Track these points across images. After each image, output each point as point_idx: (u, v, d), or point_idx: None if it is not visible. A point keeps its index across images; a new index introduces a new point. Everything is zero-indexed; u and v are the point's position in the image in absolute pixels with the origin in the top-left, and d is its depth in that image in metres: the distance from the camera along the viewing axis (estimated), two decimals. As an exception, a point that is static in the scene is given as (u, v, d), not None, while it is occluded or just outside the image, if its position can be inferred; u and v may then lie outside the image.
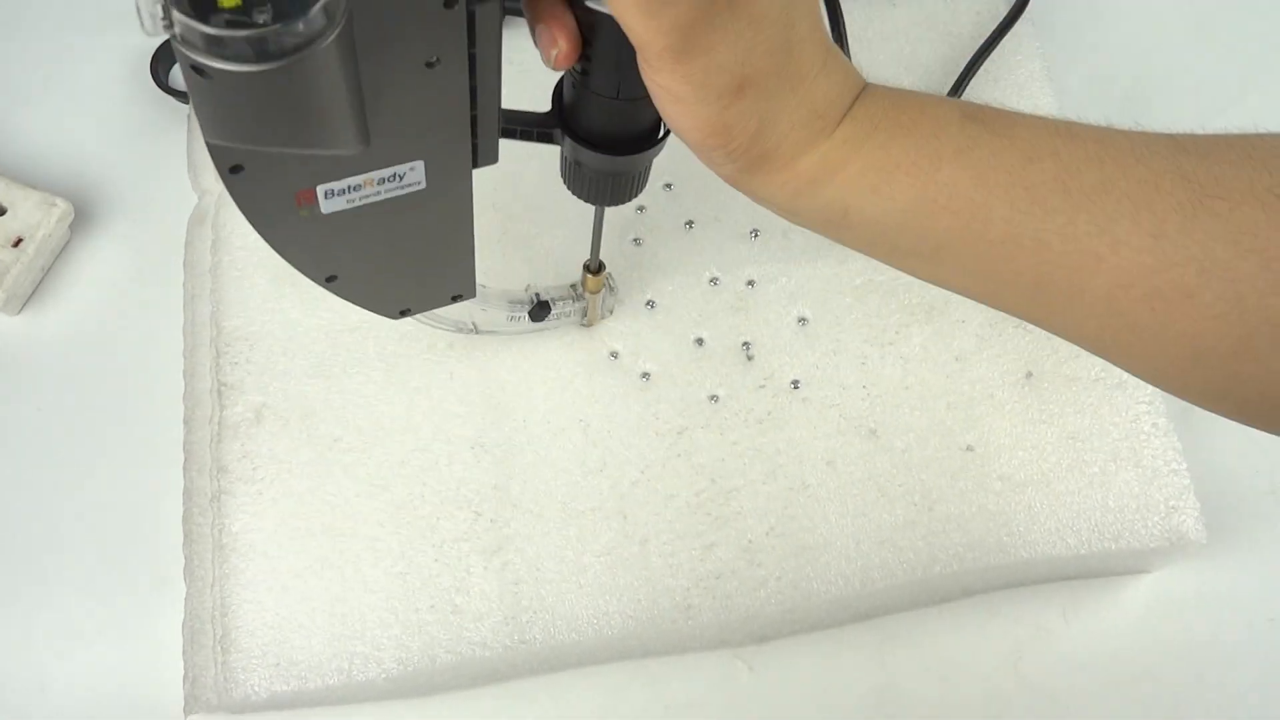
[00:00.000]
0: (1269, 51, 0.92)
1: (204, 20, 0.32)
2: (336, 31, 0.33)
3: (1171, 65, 0.91)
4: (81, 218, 0.81)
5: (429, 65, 0.40)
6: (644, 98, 0.44)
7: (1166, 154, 0.42)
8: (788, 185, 0.46)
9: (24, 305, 0.79)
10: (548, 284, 0.71)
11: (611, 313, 0.74)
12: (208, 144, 0.38)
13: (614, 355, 0.74)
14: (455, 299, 0.59)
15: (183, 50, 0.32)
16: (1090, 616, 0.74)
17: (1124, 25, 0.93)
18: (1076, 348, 0.48)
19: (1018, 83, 0.83)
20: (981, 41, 0.84)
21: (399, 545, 0.68)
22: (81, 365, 0.78)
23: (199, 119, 0.36)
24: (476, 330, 0.70)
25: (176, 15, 0.32)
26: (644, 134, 0.53)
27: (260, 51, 0.32)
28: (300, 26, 0.32)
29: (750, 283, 0.76)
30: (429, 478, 0.70)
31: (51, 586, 0.72)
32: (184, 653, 0.67)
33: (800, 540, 0.69)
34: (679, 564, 0.69)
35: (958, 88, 0.81)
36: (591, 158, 0.53)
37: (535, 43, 0.45)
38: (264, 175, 0.41)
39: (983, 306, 0.49)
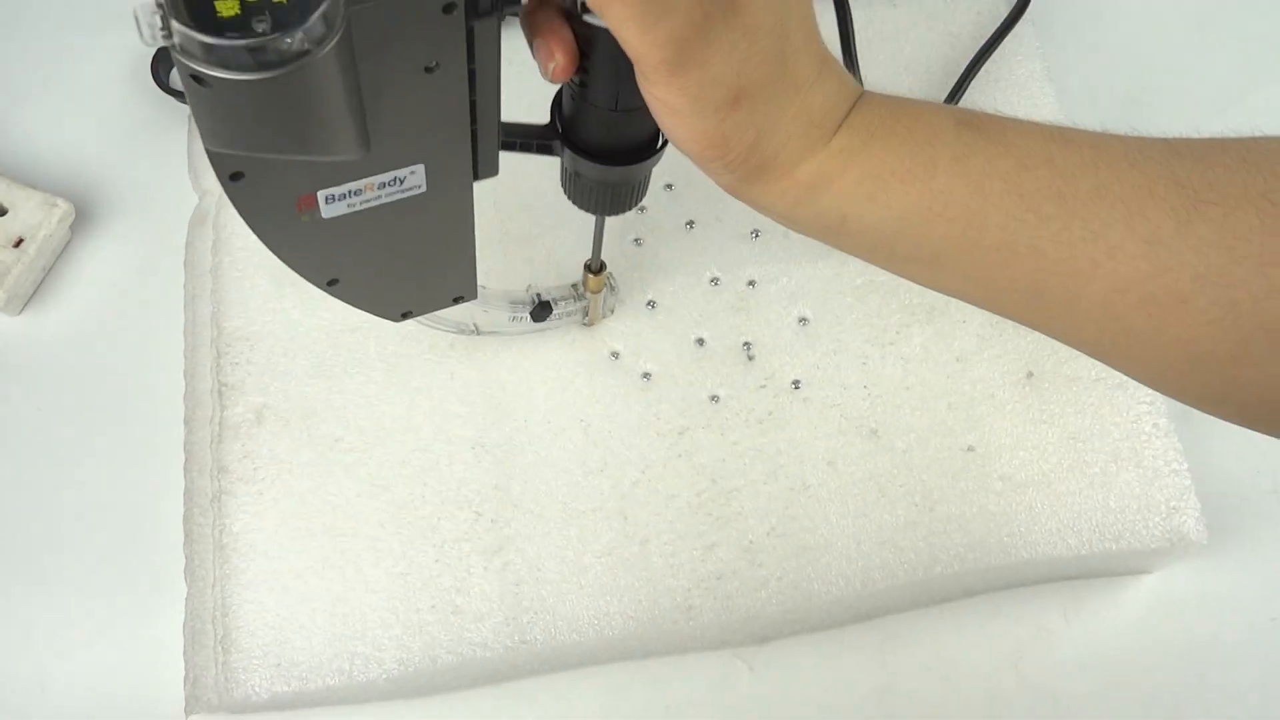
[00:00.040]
0: (1269, 51, 0.92)
1: (203, 30, 0.32)
2: (335, 39, 0.33)
3: (1171, 65, 0.91)
4: (82, 218, 0.81)
5: (428, 70, 0.40)
6: (642, 108, 0.44)
7: (1161, 159, 0.42)
8: (786, 194, 0.46)
9: (25, 305, 0.79)
10: (549, 284, 0.71)
11: (613, 313, 0.74)
12: (208, 151, 0.38)
13: (615, 355, 0.74)
14: (457, 301, 0.59)
15: (182, 60, 0.32)
16: (1091, 617, 0.74)
17: (1124, 25, 0.93)
18: (1077, 348, 0.48)
19: (1018, 83, 0.83)
20: (982, 42, 0.84)
21: (400, 545, 0.68)
22: (82, 365, 0.78)
23: (199, 127, 0.36)
24: (478, 331, 0.71)
25: (175, 25, 0.32)
26: (642, 144, 0.53)
27: (259, 60, 0.32)
28: (299, 35, 0.32)
29: (751, 283, 0.76)
30: (430, 478, 0.70)
31: (52, 586, 0.72)
32: (185, 653, 0.67)
33: (801, 541, 0.69)
34: (680, 564, 0.69)
35: (958, 88, 0.81)
36: (591, 168, 0.53)
37: (533, 55, 0.45)
38: (264, 181, 0.41)
39: (983, 307, 0.49)
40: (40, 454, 0.76)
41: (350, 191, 0.44)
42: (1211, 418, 0.46)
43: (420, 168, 0.45)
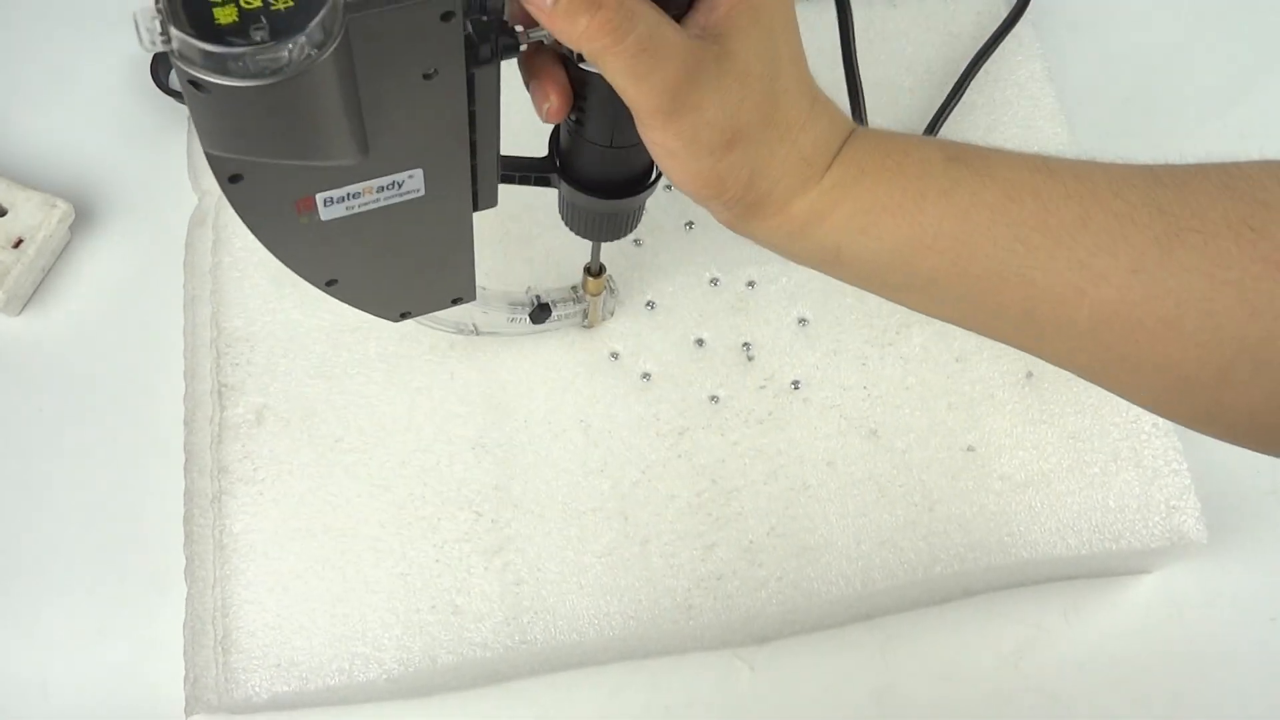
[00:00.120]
0: (1269, 51, 0.92)
1: (201, 36, 0.32)
2: (334, 46, 0.33)
3: (1171, 65, 0.91)
4: (82, 219, 0.81)
5: (426, 77, 0.40)
6: (637, 145, 0.46)
7: (1143, 187, 0.43)
8: (782, 229, 0.47)
9: (25, 306, 0.79)
10: (548, 285, 0.71)
11: (612, 314, 0.74)
12: (207, 154, 0.38)
13: (615, 356, 0.74)
14: (455, 302, 0.59)
15: (180, 65, 0.32)
16: (1091, 616, 0.74)
17: (1124, 25, 0.92)
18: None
19: (1018, 83, 0.83)
20: (982, 42, 0.84)
21: (400, 546, 0.68)
22: (82, 366, 0.78)
23: (197, 131, 0.36)
24: (477, 332, 0.71)
25: (174, 31, 0.32)
26: (637, 178, 0.55)
27: (257, 67, 0.32)
28: (297, 42, 0.32)
29: (750, 283, 0.76)
30: (430, 478, 0.70)
31: (52, 586, 0.72)
32: (185, 653, 0.67)
33: (801, 541, 0.69)
34: (680, 564, 0.69)
35: (958, 88, 0.81)
36: (588, 201, 0.55)
37: (530, 95, 0.47)
38: (263, 184, 0.42)
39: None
40: (40, 454, 0.76)
41: (349, 195, 0.44)
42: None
43: (419, 172, 0.45)
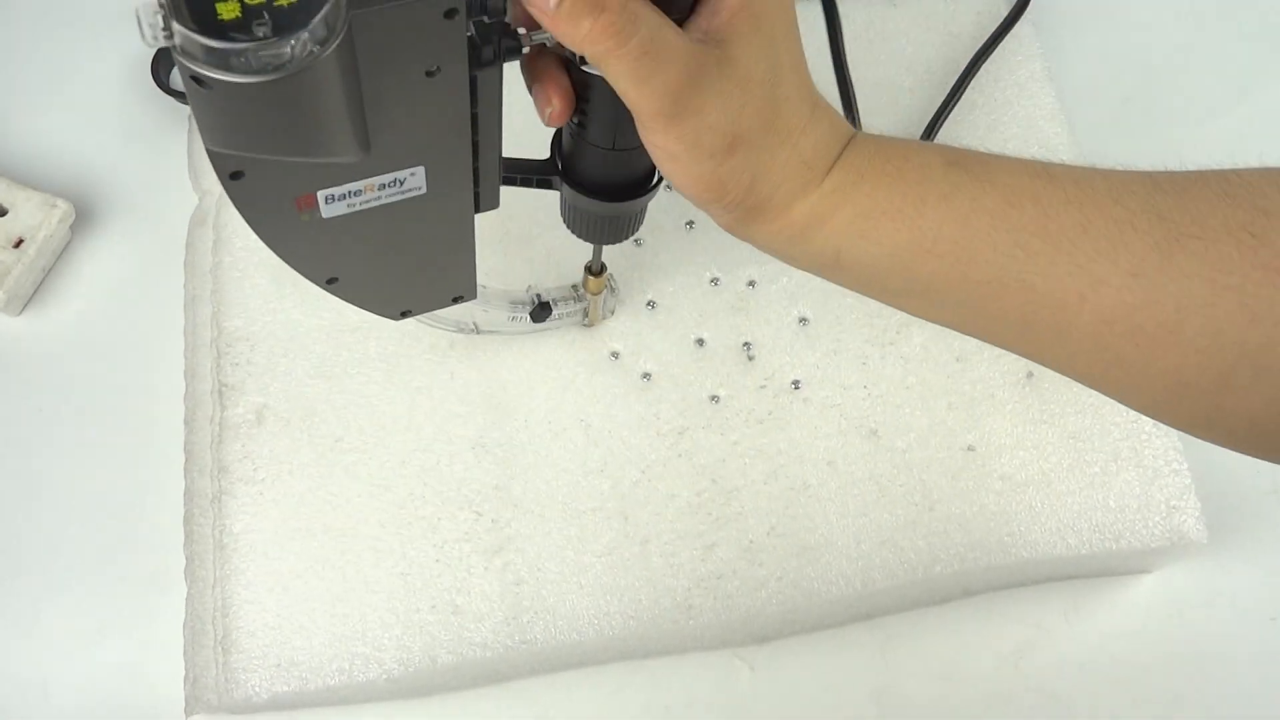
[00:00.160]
0: (1269, 51, 0.92)
1: (204, 32, 0.32)
2: (336, 42, 0.33)
3: (1171, 65, 0.91)
4: (82, 219, 0.81)
5: (429, 74, 0.40)
6: (638, 148, 0.46)
7: (1143, 194, 0.43)
8: (782, 233, 0.48)
9: (25, 306, 0.79)
10: (549, 284, 0.71)
11: (613, 313, 0.74)
12: (208, 151, 0.38)
13: (615, 355, 0.74)
14: (456, 300, 0.59)
15: (183, 61, 0.32)
16: (1091, 616, 0.74)
17: (1124, 25, 0.93)
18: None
19: (1018, 82, 0.83)
20: (982, 42, 0.84)
21: (400, 545, 0.68)
22: (82, 366, 0.78)
23: (199, 127, 0.36)
24: (478, 330, 0.71)
25: (176, 27, 0.32)
26: (639, 181, 0.55)
27: (260, 63, 0.32)
28: (301, 38, 0.32)
29: (751, 283, 0.76)
30: (430, 478, 0.70)
31: (52, 586, 0.72)
32: (185, 653, 0.67)
33: (801, 540, 0.69)
34: (680, 564, 0.69)
35: (958, 88, 0.81)
36: (589, 204, 0.55)
37: (532, 99, 0.47)
38: (264, 181, 0.42)
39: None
40: (40, 454, 0.76)
41: (350, 192, 0.44)
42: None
43: (420, 169, 0.45)
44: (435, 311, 0.61)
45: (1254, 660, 0.74)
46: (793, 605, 0.68)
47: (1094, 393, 0.72)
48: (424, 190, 0.46)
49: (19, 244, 0.77)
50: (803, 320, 0.75)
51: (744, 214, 0.47)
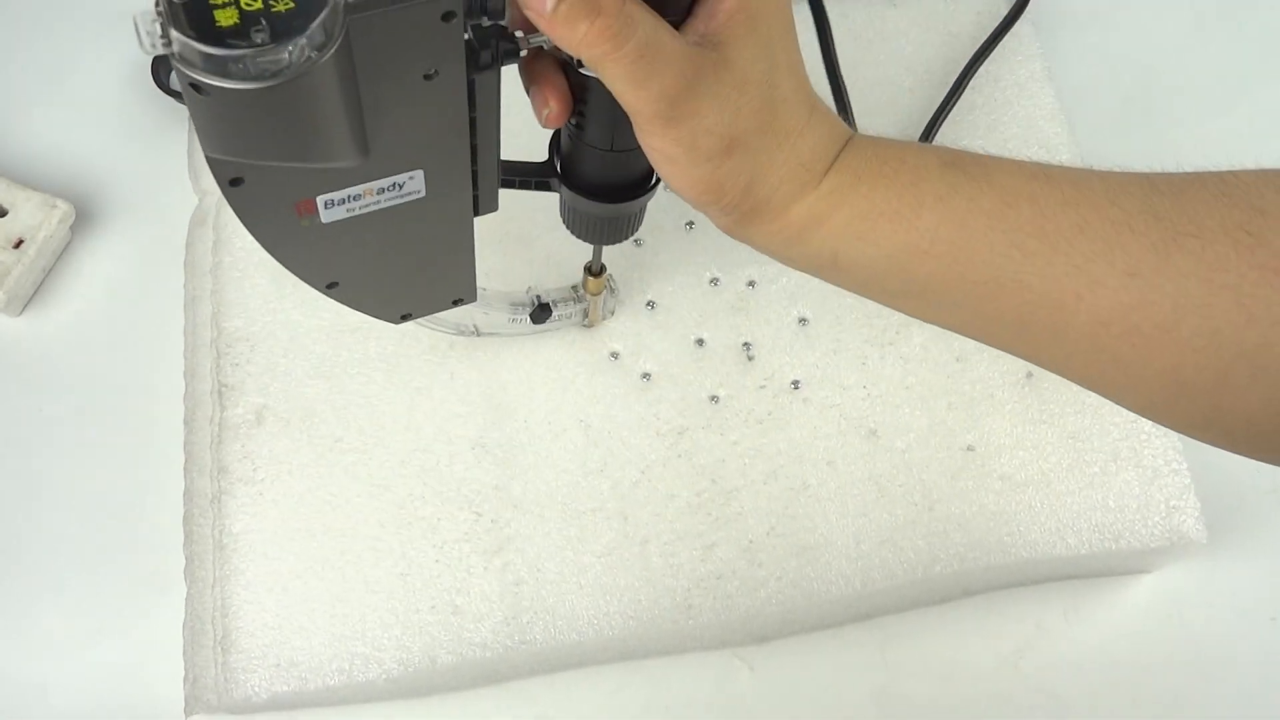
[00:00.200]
0: (1269, 51, 0.92)
1: (202, 39, 0.32)
2: (334, 47, 0.33)
3: (1171, 65, 0.91)
4: (82, 219, 0.81)
5: (427, 77, 0.40)
6: (636, 149, 0.46)
7: (1140, 195, 0.43)
8: (780, 234, 0.48)
9: (25, 306, 0.79)
10: (549, 285, 0.71)
11: (613, 313, 0.74)
12: (207, 157, 0.38)
13: (615, 356, 0.74)
14: (456, 303, 0.59)
15: (181, 68, 0.32)
16: (1091, 616, 0.74)
17: (1124, 25, 0.92)
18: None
19: (1018, 82, 0.83)
20: (982, 41, 0.83)
21: (400, 546, 0.68)
22: (83, 366, 0.78)
23: (198, 133, 0.36)
24: (478, 332, 0.71)
25: (174, 34, 0.32)
26: (637, 182, 0.55)
27: (258, 69, 0.32)
28: (298, 44, 0.32)
29: (751, 283, 0.76)
30: (430, 478, 0.70)
31: (52, 587, 0.72)
32: (184, 653, 0.67)
33: (801, 540, 0.69)
34: (680, 564, 0.69)
35: (958, 88, 0.81)
36: (588, 205, 0.56)
37: (530, 101, 0.47)
38: (264, 187, 0.41)
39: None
40: (40, 454, 0.76)
41: (349, 197, 0.44)
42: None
43: (419, 173, 0.45)
44: (435, 314, 0.61)
45: (1254, 660, 0.74)
46: (792, 605, 0.68)
47: (1093, 393, 0.73)
48: (423, 194, 0.46)
49: (19, 244, 0.77)
50: (802, 320, 0.75)
51: (742, 216, 0.47)
